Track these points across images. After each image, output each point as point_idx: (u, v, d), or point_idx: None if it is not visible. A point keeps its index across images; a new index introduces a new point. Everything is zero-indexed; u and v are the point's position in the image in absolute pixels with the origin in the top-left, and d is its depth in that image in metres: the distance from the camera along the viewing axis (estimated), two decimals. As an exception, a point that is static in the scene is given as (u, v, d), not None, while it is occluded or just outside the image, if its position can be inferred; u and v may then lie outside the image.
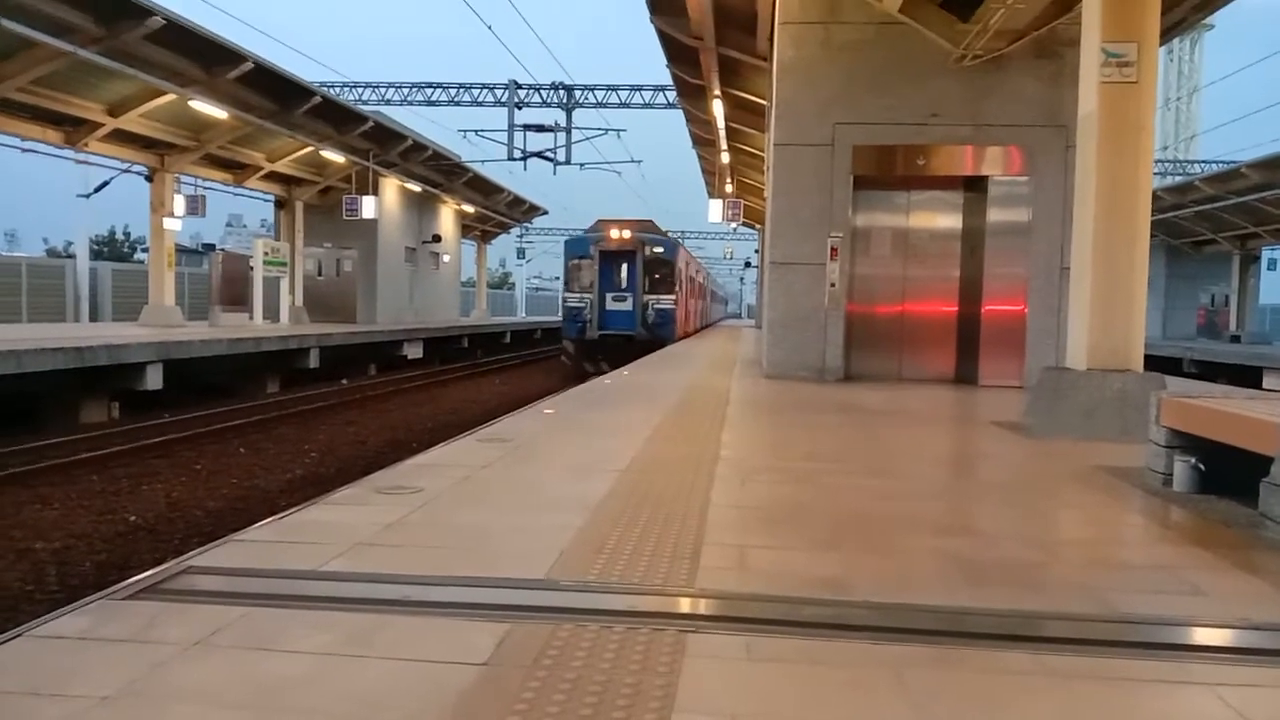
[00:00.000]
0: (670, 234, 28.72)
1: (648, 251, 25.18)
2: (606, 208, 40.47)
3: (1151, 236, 8.24)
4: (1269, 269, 36.82)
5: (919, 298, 13.37)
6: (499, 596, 3.18)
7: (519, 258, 69.11)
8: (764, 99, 18.94)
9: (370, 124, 24.82)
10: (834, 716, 2.37)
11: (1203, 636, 3.04)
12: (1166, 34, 12.63)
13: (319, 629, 2.84)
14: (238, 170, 24.28)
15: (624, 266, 25.16)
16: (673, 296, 25.22)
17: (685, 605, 3.22)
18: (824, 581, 3.44)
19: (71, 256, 32.71)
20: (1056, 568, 3.85)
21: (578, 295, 25.11)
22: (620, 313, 24.83)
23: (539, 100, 33.17)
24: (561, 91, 33.05)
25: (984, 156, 12.57)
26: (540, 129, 31.01)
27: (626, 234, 25.20)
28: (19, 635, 2.75)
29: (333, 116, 23.63)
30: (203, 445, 12.83)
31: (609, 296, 25.04)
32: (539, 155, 30.63)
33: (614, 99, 33.91)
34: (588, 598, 3.19)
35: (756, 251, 45.56)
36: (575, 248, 25.90)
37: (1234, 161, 31.47)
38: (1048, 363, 10.18)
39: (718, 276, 79.42)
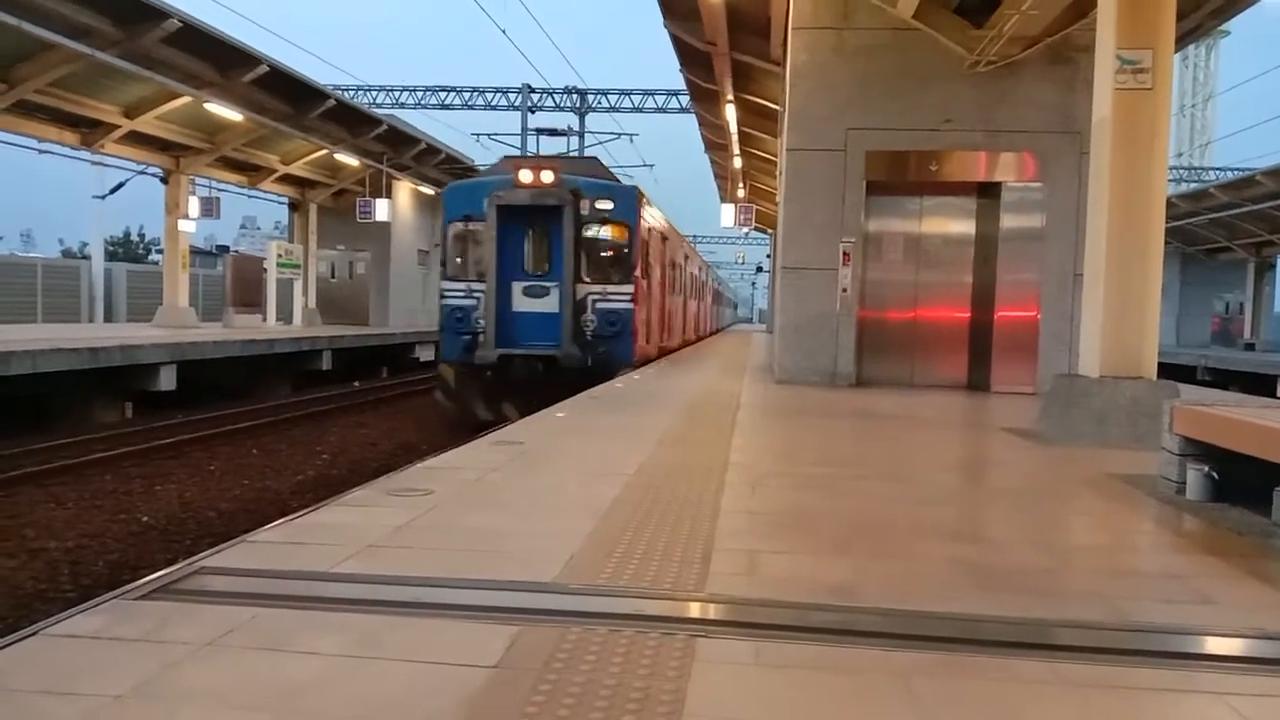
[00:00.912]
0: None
1: (586, 208, 14.55)
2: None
3: (1165, 243, 8.20)
4: (1284, 276, 36.62)
5: (931, 303, 13.34)
6: (509, 599, 3.19)
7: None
8: (777, 104, 18.94)
9: (384, 127, 24.94)
10: (843, 723, 2.37)
11: (1215, 646, 3.02)
12: (1182, 40, 12.58)
13: (330, 630, 2.85)
14: (252, 172, 24.41)
15: (543, 234, 14.64)
16: (629, 289, 14.78)
17: (695, 610, 3.22)
18: (834, 587, 3.44)
19: (86, 258, 32.92)
20: (1068, 575, 3.83)
21: (463, 288, 14.63)
22: (535, 318, 14.48)
23: (552, 104, 33.30)
24: (574, 95, 33.17)
25: (997, 162, 12.54)
26: (553, 133, 31.03)
27: (547, 177, 14.31)
28: (34, 634, 2.77)
29: (347, 119, 23.75)
30: (215, 446, 12.90)
31: (517, 288, 14.59)
32: (551, 159, 30.49)
33: (627, 103, 34.01)
34: (598, 601, 3.19)
35: (768, 256, 45.54)
36: (460, 202, 15.05)
37: (1249, 169, 31.33)
38: (1060, 369, 10.14)
39: (729, 280, 79.03)
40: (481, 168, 27.98)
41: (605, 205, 14.72)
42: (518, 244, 14.61)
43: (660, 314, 18.66)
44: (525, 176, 14.26)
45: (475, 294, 14.46)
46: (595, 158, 17.96)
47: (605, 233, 14.91)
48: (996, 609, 3.23)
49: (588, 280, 14.62)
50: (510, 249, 14.48)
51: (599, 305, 14.61)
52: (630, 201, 15.04)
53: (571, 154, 17.53)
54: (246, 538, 4.06)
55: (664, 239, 19.00)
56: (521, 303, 14.55)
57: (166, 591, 3.17)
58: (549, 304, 14.44)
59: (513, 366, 14.06)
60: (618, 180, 16.38)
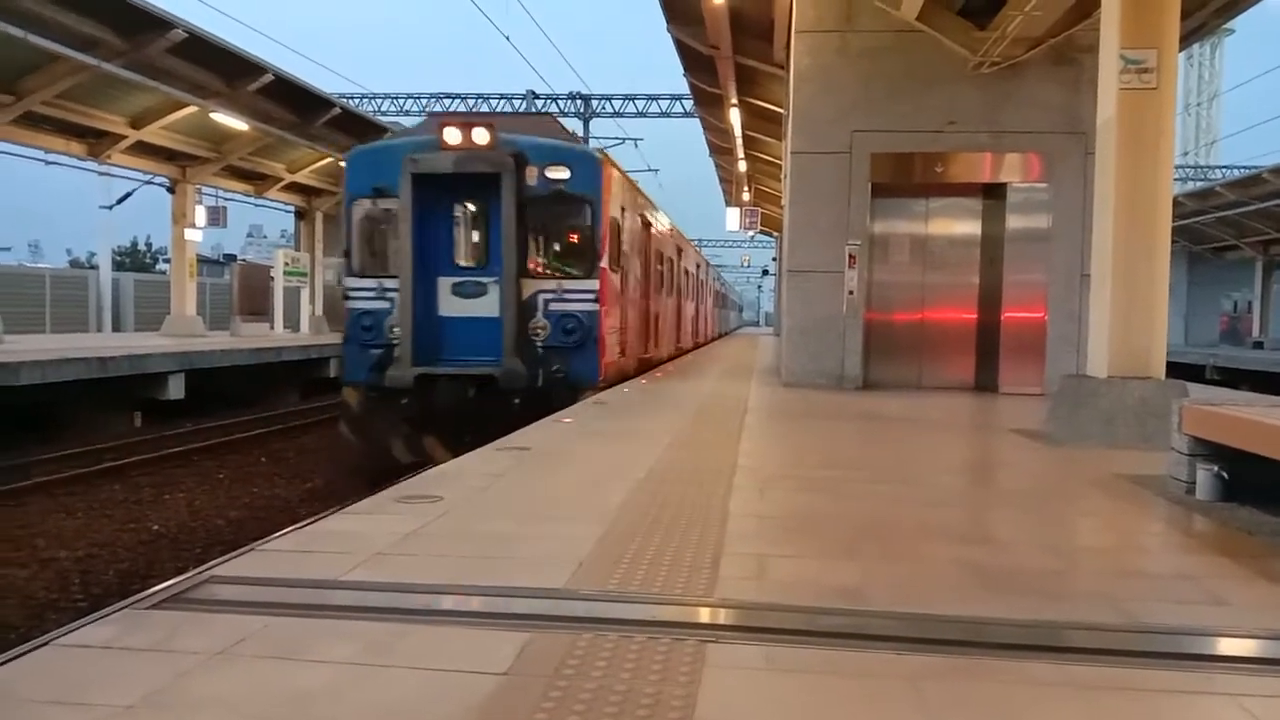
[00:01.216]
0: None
1: (533, 176, 11.15)
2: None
3: (1173, 242, 8.18)
4: (1292, 274, 36.48)
5: (938, 305, 13.32)
6: (519, 606, 3.19)
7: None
8: (781, 107, 18.95)
9: (389, 135, 24.98)
10: (854, 727, 2.37)
11: (1226, 646, 3.02)
12: (1186, 39, 12.58)
13: (341, 638, 2.86)
14: (258, 181, 24.50)
15: (478, 214, 11.61)
16: (593, 285, 11.41)
17: (705, 615, 3.22)
18: (843, 591, 3.43)
19: (94, 267, 33.08)
20: (1077, 577, 3.82)
21: (373, 286, 11.36)
22: (468, 325, 11.31)
23: (556, 110, 33.36)
24: (579, 101, 33.26)
25: (1002, 163, 12.53)
26: (557, 138, 31.01)
27: (480, 136, 10.87)
28: (45, 644, 2.78)
29: (352, 127, 23.81)
30: (224, 454, 12.94)
31: (444, 286, 11.41)
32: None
33: (631, 108, 34.12)
34: (608, 607, 3.20)
35: (774, 259, 45.50)
36: (366, 170, 11.56)
37: (1256, 167, 31.27)
38: (1068, 370, 10.12)
39: (734, 283, 78.85)
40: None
41: (559, 174, 11.15)
42: (444, 227, 11.39)
43: (641, 317, 15.03)
44: (451, 136, 10.79)
45: (389, 294, 11.11)
46: (549, 114, 13.11)
47: (560, 210, 11.41)
48: (1005, 611, 3.22)
49: (538, 274, 11.33)
50: (433, 233, 11.22)
51: (553, 307, 11.19)
52: (592, 169, 11.42)
53: (513, 112, 12.51)
54: (256, 546, 4.07)
55: (646, 224, 15.51)
56: (450, 304, 11.30)
57: (177, 601, 3.18)
58: (486, 306, 11.14)
59: (437, 391, 10.75)
60: (578, 142, 12.59)
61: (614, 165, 12.49)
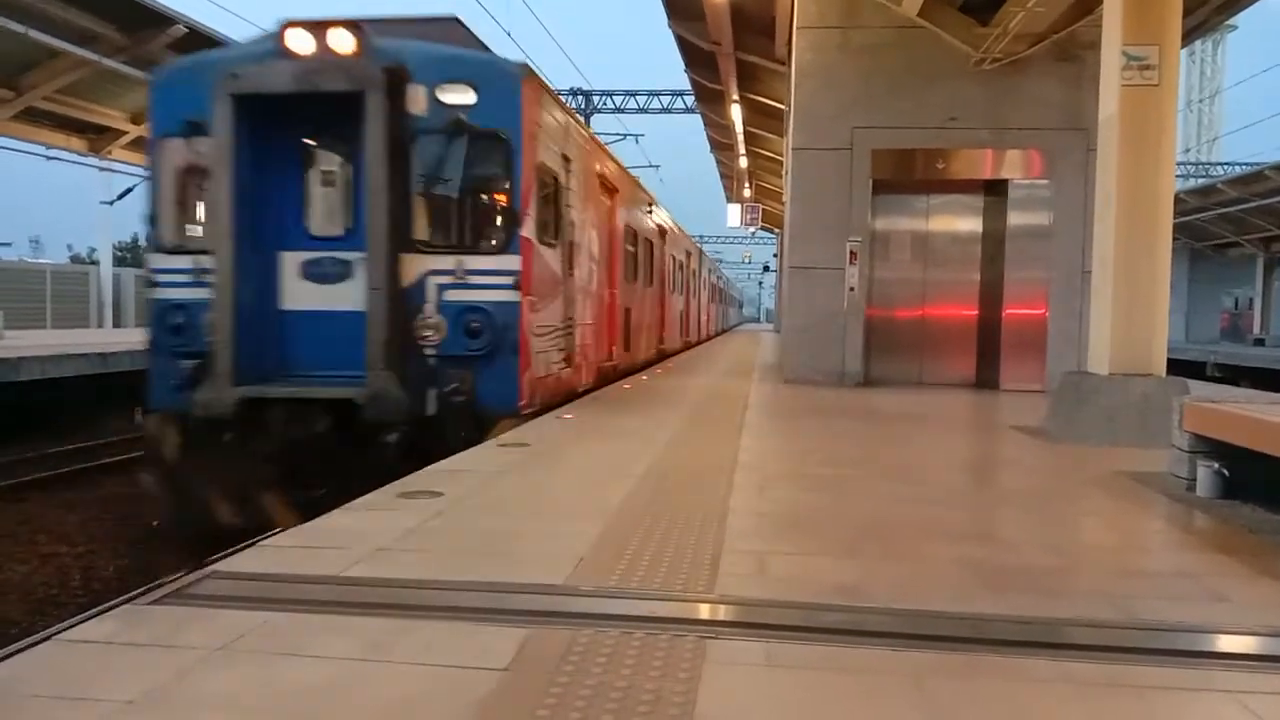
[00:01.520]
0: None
1: (419, 101, 7.44)
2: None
3: (1174, 239, 8.17)
4: (1293, 271, 36.47)
5: (939, 302, 13.32)
6: (520, 602, 3.19)
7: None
8: (782, 103, 18.95)
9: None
10: (854, 724, 2.37)
11: (1227, 644, 3.01)
12: (1188, 36, 12.56)
13: (341, 634, 2.86)
14: (259, 177, 24.44)
15: (338, 157, 7.89)
16: (510, 264, 7.65)
17: (705, 611, 3.22)
18: (844, 588, 3.43)
19: (95, 263, 33.06)
20: (1078, 574, 3.82)
21: (188, 267, 7.58)
22: (323, 322, 7.68)
23: (558, 106, 33.31)
24: (580, 97, 33.18)
25: (1004, 160, 12.53)
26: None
27: (343, 42, 7.31)
28: (47, 639, 2.78)
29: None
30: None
31: (289, 265, 7.77)
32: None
33: (632, 104, 34.04)
34: (608, 603, 3.20)
35: (775, 256, 45.52)
36: (180, 96, 7.58)
37: (1257, 164, 31.23)
38: (1069, 367, 10.12)
39: (735, 279, 78.78)
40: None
41: (458, 97, 7.55)
42: (288, 177, 7.82)
43: (603, 312, 11.57)
44: (297, 41, 7.42)
45: (200, 278, 7.55)
46: (455, 18, 8.65)
47: (461, 151, 7.72)
48: (1006, 609, 3.22)
49: (428, 247, 7.69)
50: (272, 188, 7.69)
51: (450, 296, 7.61)
52: (507, 90, 7.71)
53: (396, 16, 8.56)
54: (257, 542, 4.08)
55: (610, 189, 11.87)
56: (298, 293, 7.81)
57: (178, 596, 3.19)
58: (351, 295, 7.61)
59: (271, 421, 7.32)
60: (490, 54, 8.33)
61: (545, 88, 8.69)
